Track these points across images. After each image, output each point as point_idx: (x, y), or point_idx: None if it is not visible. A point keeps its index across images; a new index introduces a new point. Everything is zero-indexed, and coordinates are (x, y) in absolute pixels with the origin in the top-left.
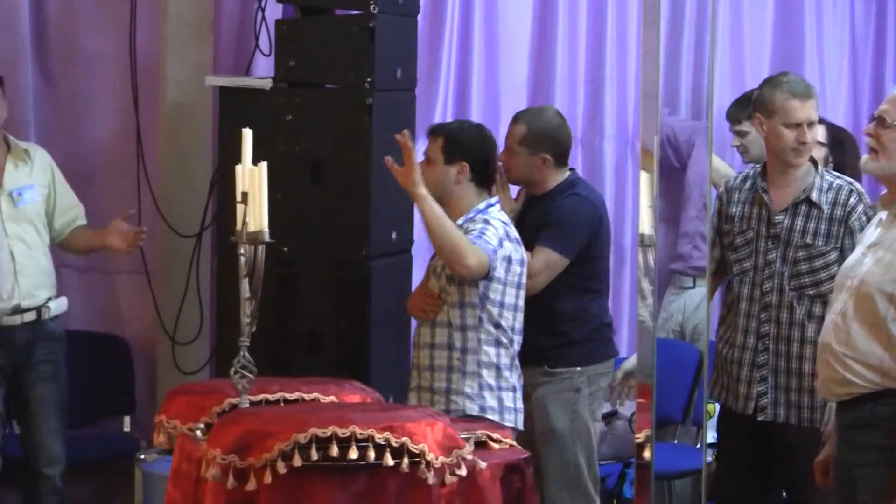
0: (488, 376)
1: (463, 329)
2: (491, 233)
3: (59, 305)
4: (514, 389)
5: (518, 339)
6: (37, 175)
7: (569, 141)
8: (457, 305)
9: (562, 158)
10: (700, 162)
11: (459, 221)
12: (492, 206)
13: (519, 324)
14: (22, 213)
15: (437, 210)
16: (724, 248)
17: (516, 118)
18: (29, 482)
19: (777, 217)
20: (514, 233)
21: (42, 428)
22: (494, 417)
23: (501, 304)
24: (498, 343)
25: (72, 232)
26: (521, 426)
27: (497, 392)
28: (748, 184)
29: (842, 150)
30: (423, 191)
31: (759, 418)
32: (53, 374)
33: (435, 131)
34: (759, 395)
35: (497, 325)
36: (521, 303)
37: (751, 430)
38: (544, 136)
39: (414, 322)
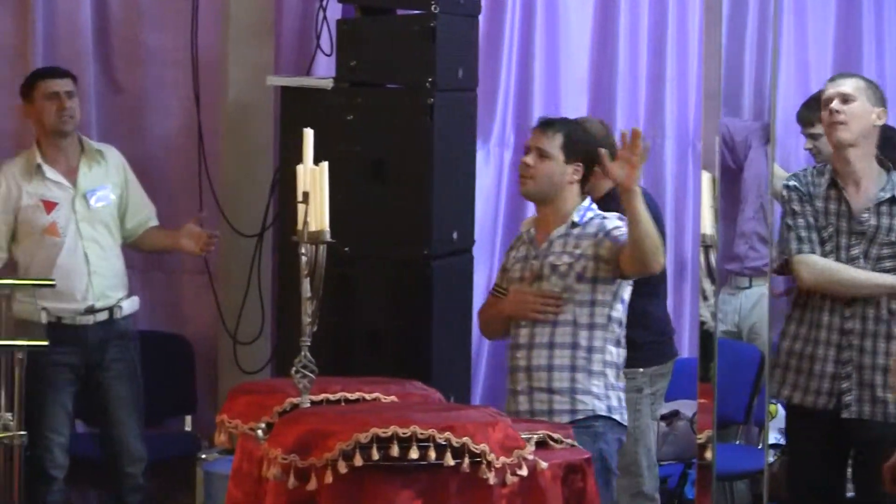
0: (612, 375)
1: (591, 328)
2: None
3: (130, 304)
4: (624, 389)
5: None
6: (111, 176)
7: (614, 149)
8: (586, 304)
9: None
10: (757, 163)
11: (575, 218)
12: (592, 202)
13: (626, 319)
14: (96, 215)
15: (644, 208)
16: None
17: None
18: (111, 482)
19: (863, 215)
20: None
21: (123, 427)
22: (617, 417)
23: (623, 302)
24: (618, 342)
25: (144, 232)
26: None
27: (617, 392)
28: (822, 180)
29: (893, 148)
30: (638, 188)
31: (843, 415)
32: (129, 372)
33: (552, 126)
34: (842, 391)
35: (620, 324)
36: (629, 298)
37: (831, 428)
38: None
39: (477, 321)
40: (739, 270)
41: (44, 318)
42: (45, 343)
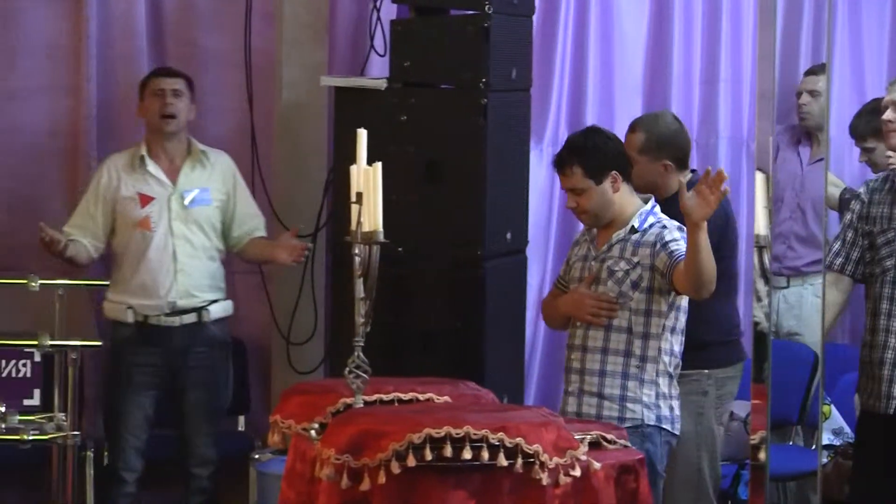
0: (664, 385)
1: (645, 337)
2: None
3: (221, 308)
4: (678, 397)
5: None
6: (214, 180)
7: (688, 145)
8: (642, 313)
9: (682, 162)
10: (790, 163)
11: (635, 223)
12: (655, 205)
13: (684, 326)
14: (191, 214)
15: (707, 241)
16: (865, 249)
17: (633, 126)
18: (180, 481)
19: None
20: None
21: (196, 431)
22: (668, 427)
23: (679, 309)
24: (672, 352)
25: (247, 242)
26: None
27: (669, 401)
28: (888, 185)
29: None
30: (704, 224)
31: None
32: (209, 379)
33: (567, 162)
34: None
35: (673, 331)
36: (687, 304)
37: (891, 430)
38: (664, 142)
39: (531, 323)
40: (777, 270)
41: (130, 318)
42: (98, 343)
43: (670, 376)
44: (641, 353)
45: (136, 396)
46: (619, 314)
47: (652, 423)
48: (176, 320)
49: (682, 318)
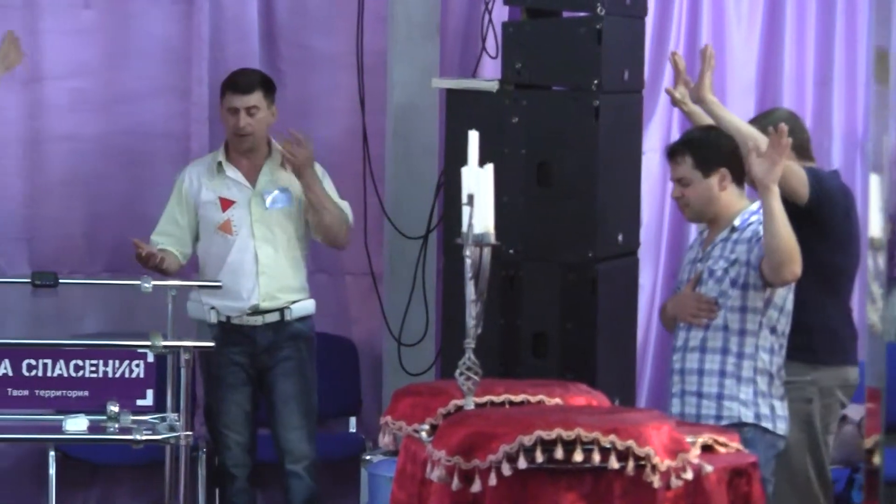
0: (762, 383)
1: (741, 334)
2: None
3: (303, 308)
4: (782, 398)
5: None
6: (294, 179)
7: (802, 134)
8: (737, 310)
9: (800, 152)
10: None
11: (736, 223)
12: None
13: (788, 329)
14: (272, 216)
15: (782, 209)
16: None
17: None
18: (279, 479)
19: None
20: None
21: (286, 425)
22: (768, 425)
23: (780, 310)
24: (772, 350)
25: None
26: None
27: (769, 399)
28: None
29: None
30: (775, 187)
31: None
32: (296, 370)
33: (677, 152)
34: None
35: (773, 331)
36: (791, 307)
37: None
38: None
39: (643, 325)
40: None
41: (213, 318)
42: (212, 344)
43: (770, 375)
44: (738, 350)
45: (229, 394)
46: (717, 313)
47: (750, 420)
48: (258, 319)
49: (784, 320)
